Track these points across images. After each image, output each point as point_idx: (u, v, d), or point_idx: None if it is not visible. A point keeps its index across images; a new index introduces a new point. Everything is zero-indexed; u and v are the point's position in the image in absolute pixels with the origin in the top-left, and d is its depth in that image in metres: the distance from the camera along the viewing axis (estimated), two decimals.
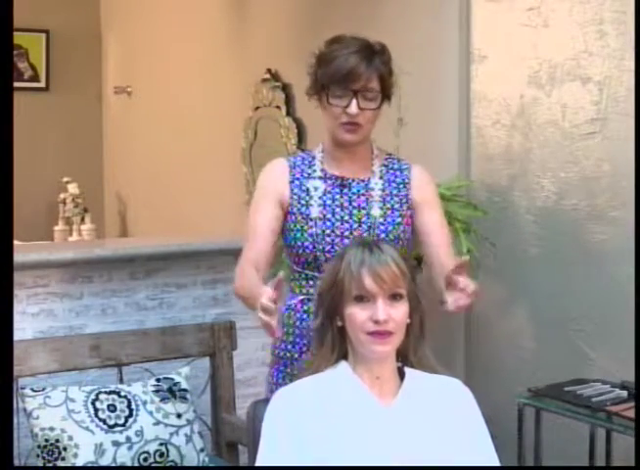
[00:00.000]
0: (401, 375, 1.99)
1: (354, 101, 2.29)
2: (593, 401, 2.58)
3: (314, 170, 2.41)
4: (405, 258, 2.00)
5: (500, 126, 3.25)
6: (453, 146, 3.40)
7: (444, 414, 1.95)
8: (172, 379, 3.00)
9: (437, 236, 2.41)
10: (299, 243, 2.36)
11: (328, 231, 2.35)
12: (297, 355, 2.39)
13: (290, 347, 2.40)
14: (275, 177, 2.42)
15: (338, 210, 2.37)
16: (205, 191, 5.17)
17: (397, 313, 1.92)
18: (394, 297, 1.92)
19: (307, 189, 2.39)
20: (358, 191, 2.39)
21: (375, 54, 2.33)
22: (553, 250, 3.10)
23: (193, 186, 5.28)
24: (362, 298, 1.92)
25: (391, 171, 2.43)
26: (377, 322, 1.90)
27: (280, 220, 2.39)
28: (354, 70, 2.28)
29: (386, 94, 2.36)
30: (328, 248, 2.33)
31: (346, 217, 2.36)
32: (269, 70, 4.43)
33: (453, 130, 3.40)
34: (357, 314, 1.92)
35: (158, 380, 2.99)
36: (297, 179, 2.40)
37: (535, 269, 3.15)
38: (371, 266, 1.91)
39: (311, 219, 2.36)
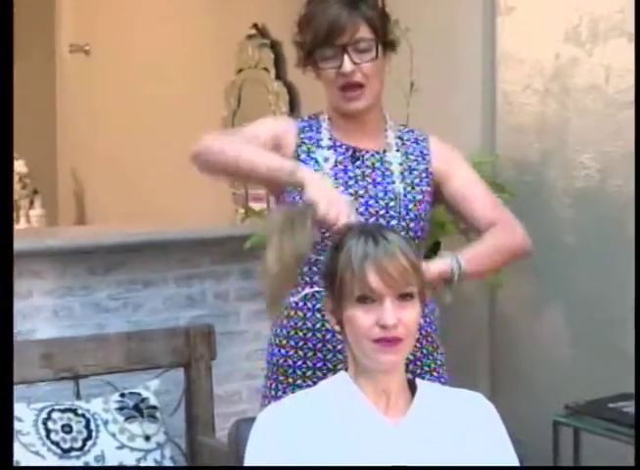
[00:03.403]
0: (412, 388, 2.00)
1: (346, 57, 2.32)
2: None
3: (321, 138, 2.42)
4: (417, 253, 2.00)
5: (532, 92, 3.26)
6: (475, 115, 3.41)
7: (463, 434, 1.95)
8: (139, 394, 3.01)
9: (473, 195, 2.42)
10: None
11: None
12: (299, 363, 2.40)
13: (291, 352, 2.41)
14: (280, 127, 2.43)
15: (351, 182, 2.38)
16: (179, 171, 5.13)
17: (408, 316, 1.91)
18: (404, 296, 1.92)
19: (316, 160, 2.40)
20: (373, 164, 2.41)
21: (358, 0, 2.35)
22: (593, 239, 3.11)
23: (164, 164, 5.27)
24: (366, 298, 1.91)
25: (408, 143, 2.46)
26: (384, 327, 1.89)
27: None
28: (336, 23, 2.31)
29: (384, 41, 2.37)
30: None
31: (361, 192, 2.37)
32: (255, 25, 4.44)
33: (475, 97, 3.41)
34: (360, 318, 1.91)
35: (122, 395, 3.00)
36: (305, 144, 2.42)
37: (572, 262, 3.16)
38: (376, 260, 1.90)
39: None
